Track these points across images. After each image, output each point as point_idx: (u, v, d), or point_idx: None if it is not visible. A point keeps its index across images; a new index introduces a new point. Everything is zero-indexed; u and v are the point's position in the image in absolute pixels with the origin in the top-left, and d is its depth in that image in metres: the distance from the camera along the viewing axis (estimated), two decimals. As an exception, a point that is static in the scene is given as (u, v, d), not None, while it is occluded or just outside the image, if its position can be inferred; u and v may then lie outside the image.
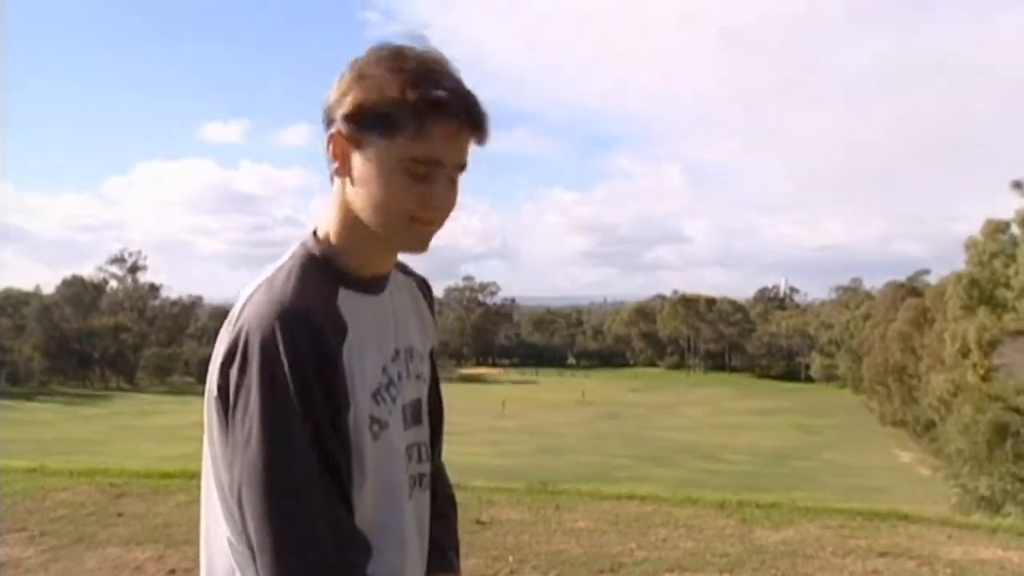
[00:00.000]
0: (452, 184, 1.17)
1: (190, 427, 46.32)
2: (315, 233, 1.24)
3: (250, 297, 1.16)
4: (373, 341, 1.21)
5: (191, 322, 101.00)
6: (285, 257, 1.22)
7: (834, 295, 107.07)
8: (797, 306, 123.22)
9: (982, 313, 36.78)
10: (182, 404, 63.41)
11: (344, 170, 1.17)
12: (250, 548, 1.09)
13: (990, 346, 32.81)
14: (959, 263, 43.34)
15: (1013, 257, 34.72)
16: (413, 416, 1.30)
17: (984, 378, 30.64)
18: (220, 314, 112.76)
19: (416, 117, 1.10)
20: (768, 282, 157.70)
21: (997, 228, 38.88)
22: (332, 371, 1.12)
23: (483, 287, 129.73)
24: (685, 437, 55.93)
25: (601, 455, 45.14)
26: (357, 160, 1.15)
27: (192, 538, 5.53)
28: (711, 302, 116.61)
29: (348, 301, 1.19)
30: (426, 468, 1.33)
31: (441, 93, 1.11)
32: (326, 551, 1.07)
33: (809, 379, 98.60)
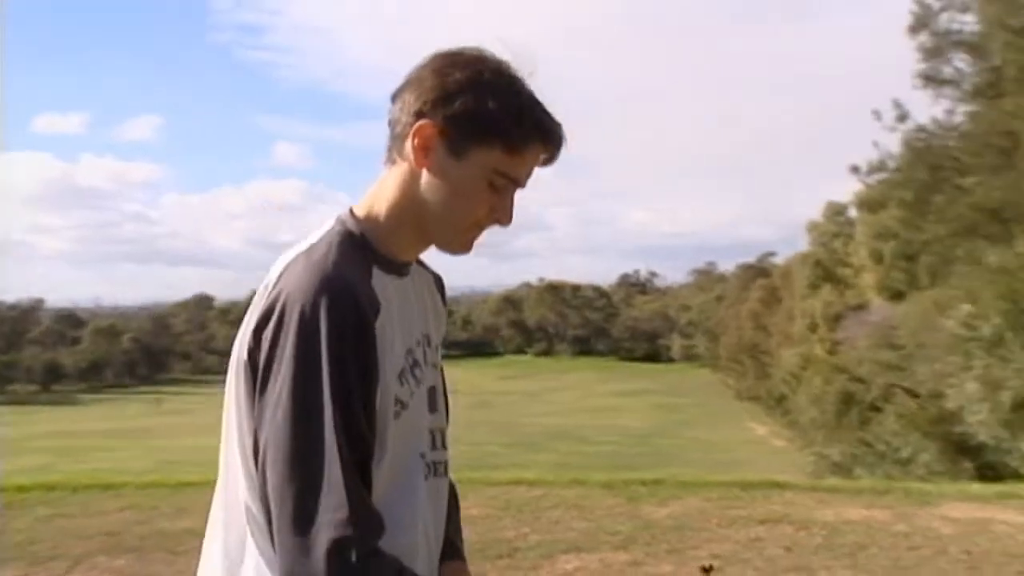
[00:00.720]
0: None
1: (39, 437, 43.32)
2: (352, 212, 1.26)
3: (288, 267, 1.17)
4: (400, 323, 1.23)
5: (32, 326, 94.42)
6: (321, 232, 1.23)
7: (691, 278, 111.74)
8: (657, 290, 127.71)
9: (826, 290, 39.35)
10: (24, 415, 59.23)
11: (424, 162, 1.20)
12: (267, 513, 1.09)
13: (834, 321, 35.11)
14: (801, 245, 46.20)
15: (851, 237, 37.22)
16: (431, 402, 1.31)
17: (830, 351, 32.82)
18: (65, 316, 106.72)
19: (521, 137, 1.18)
20: (629, 268, 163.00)
21: (836, 210, 41.60)
22: (369, 344, 1.13)
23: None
24: (556, 422, 57.01)
25: (473, 444, 45.25)
26: (443, 156, 1.19)
27: (59, 552, 5.13)
28: (576, 289, 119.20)
29: (380, 281, 1.21)
30: (444, 456, 1.34)
31: (552, 124, 1.20)
32: (342, 522, 1.05)
33: (671, 360, 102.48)
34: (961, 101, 24.46)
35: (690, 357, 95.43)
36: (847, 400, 21.82)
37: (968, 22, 23.37)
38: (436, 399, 1.34)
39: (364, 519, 1.07)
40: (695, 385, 78.86)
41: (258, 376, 1.11)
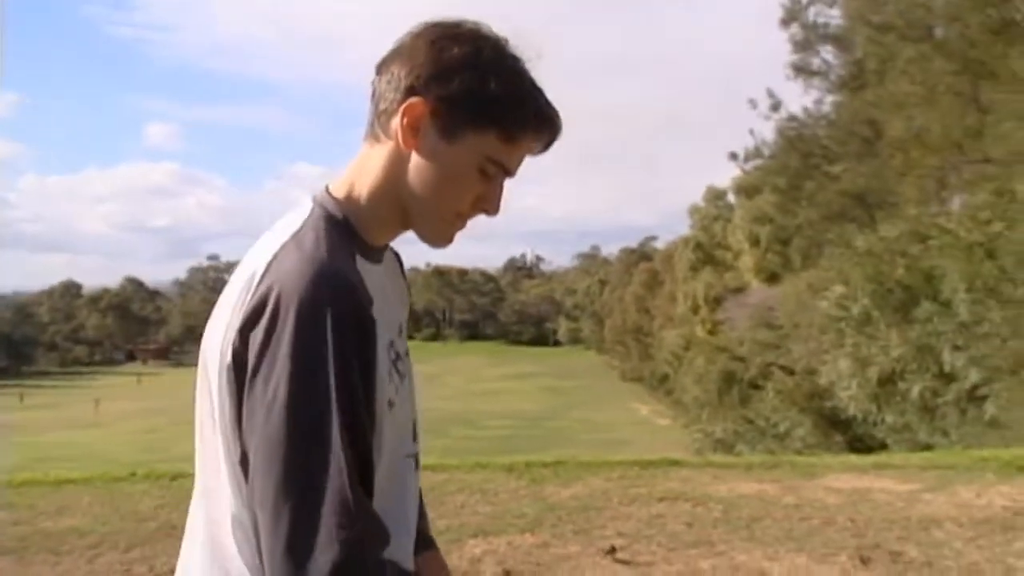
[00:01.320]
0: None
1: None
2: (329, 192, 1.15)
3: (276, 257, 1.05)
4: (384, 314, 1.12)
5: None
6: (300, 216, 1.12)
7: (576, 262, 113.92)
8: (543, 274, 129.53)
9: (707, 273, 40.88)
10: None
11: (413, 141, 1.11)
12: (254, 524, 0.99)
13: (715, 303, 36.55)
14: (681, 230, 47.86)
15: (730, 221, 38.77)
16: (410, 393, 1.22)
17: (711, 332, 34.15)
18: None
19: (520, 124, 1.10)
20: (516, 252, 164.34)
21: (717, 195, 43.26)
22: (372, 341, 1.04)
23: (229, 266, 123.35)
24: (447, 406, 57.05)
25: (364, 431, 44.89)
26: (434, 138, 1.10)
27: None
28: (463, 273, 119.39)
29: (364, 270, 1.12)
30: (419, 448, 1.27)
31: (552, 113, 1.12)
32: (348, 541, 0.95)
33: (558, 343, 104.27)
34: (829, 92, 25.84)
35: (576, 340, 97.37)
36: (728, 379, 22.77)
37: (834, 16, 24.66)
38: (412, 390, 1.25)
39: (371, 535, 0.99)
40: (581, 368, 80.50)
41: (246, 377, 1.00)
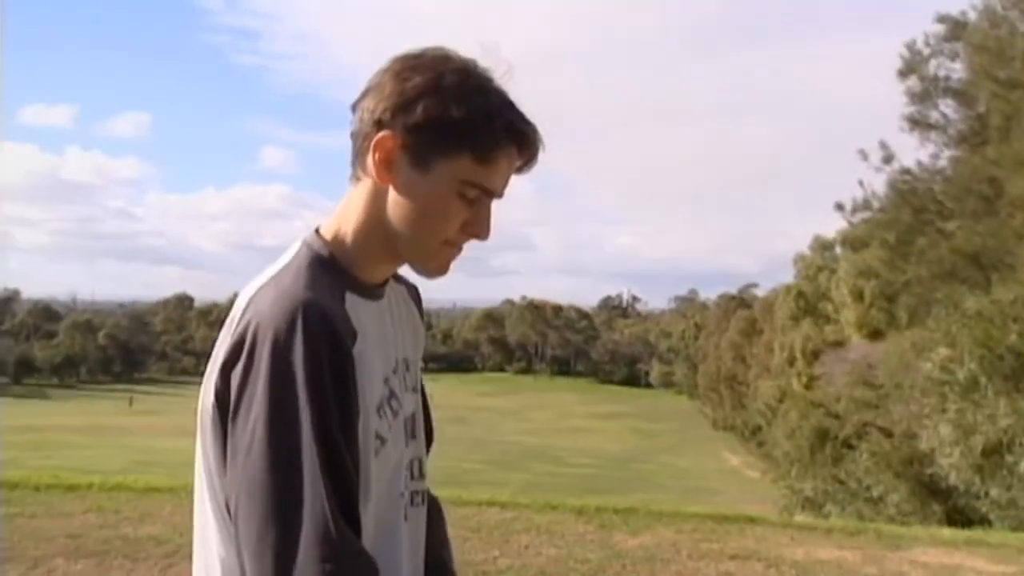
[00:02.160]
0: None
1: (7, 432, 42.66)
2: (318, 232, 1.17)
3: (254, 296, 1.07)
4: (378, 350, 1.14)
5: (7, 318, 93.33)
6: (286, 257, 1.14)
7: (672, 305, 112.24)
8: (639, 314, 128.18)
9: (806, 324, 39.61)
10: (-5, 406, 58.33)
11: (387, 177, 1.11)
12: (241, 567, 0.98)
13: (813, 356, 35.33)
14: (782, 278, 46.58)
15: (835, 272, 37.55)
16: (411, 431, 1.23)
17: (807, 386, 32.98)
18: (40, 309, 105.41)
19: (491, 144, 1.08)
20: (612, 291, 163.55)
21: (824, 245, 41.98)
22: (350, 374, 1.04)
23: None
24: (532, 441, 56.88)
25: (449, 459, 45.07)
26: (407, 170, 1.10)
27: (16, 554, 5.03)
28: (558, 309, 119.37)
29: (354, 306, 1.12)
30: (422, 485, 1.26)
31: (526, 127, 1.10)
32: (324, 567, 0.95)
33: (648, 385, 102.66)
34: (946, 146, 24.86)
35: (668, 383, 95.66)
36: (822, 435, 21.89)
37: (956, 69, 23.80)
38: (415, 426, 1.25)
39: (355, 566, 0.97)
40: (672, 411, 78.99)
41: (228, 418, 1.00)
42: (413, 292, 1.33)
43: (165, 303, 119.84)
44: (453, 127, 1.06)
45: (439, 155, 1.08)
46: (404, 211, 1.10)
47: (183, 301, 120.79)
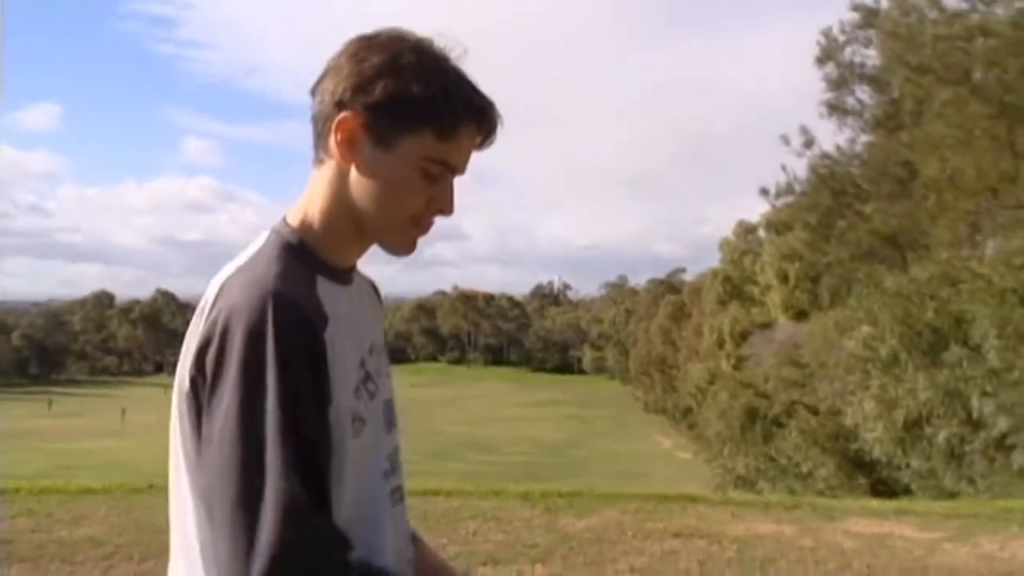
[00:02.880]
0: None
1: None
2: (286, 220, 1.17)
3: (225, 284, 1.07)
4: (351, 334, 1.13)
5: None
6: (256, 245, 1.15)
7: (603, 291, 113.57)
8: (570, 302, 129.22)
9: (734, 307, 40.58)
10: (-98, 413, 55.59)
11: (350, 157, 1.11)
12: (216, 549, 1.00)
13: (741, 337, 36.23)
14: (709, 263, 47.61)
15: (760, 256, 38.54)
16: (388, 419, 1.22)
17: (736, 367, 33.83)
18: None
19: (452, 120, 1.09)
20: (543, 279, 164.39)
21: (747, 229, 43.03)
22: (320, 360, 1.04)
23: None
24: (468, 431, 56.95)
25: (384, 452, 44.91)
26: (369, 150, 1.11)
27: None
28: (489, 298, 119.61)
29: (326, 290, 1.12)
30: (402, 479, 1.24)
31: (484, 103, 1.11)
32: (300, 551, 0.95)
33: (581, 371, 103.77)
34: (863, 131, 25.66)
35: (600, 369, 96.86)
36: (751, 415, 22.52)
37: (871, 56, 24.55)
38: (392, 413, 1.24)
39: (320, 539, 0.98)
40: (605, 397, 80.00)
41: (201, 406, 1.01)
42: (373, 286, 1.34)
43: (83, 301, 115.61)
44: (413, 104, 1.07)
45: (401, 132, 1.09)
46: (368, 190, 1.11)
47: (103, 299, 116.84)
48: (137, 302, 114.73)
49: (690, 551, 5.59)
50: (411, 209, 1.12)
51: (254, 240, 1.16)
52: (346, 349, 1.11)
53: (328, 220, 1.14)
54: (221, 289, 1.07)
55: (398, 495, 1.21)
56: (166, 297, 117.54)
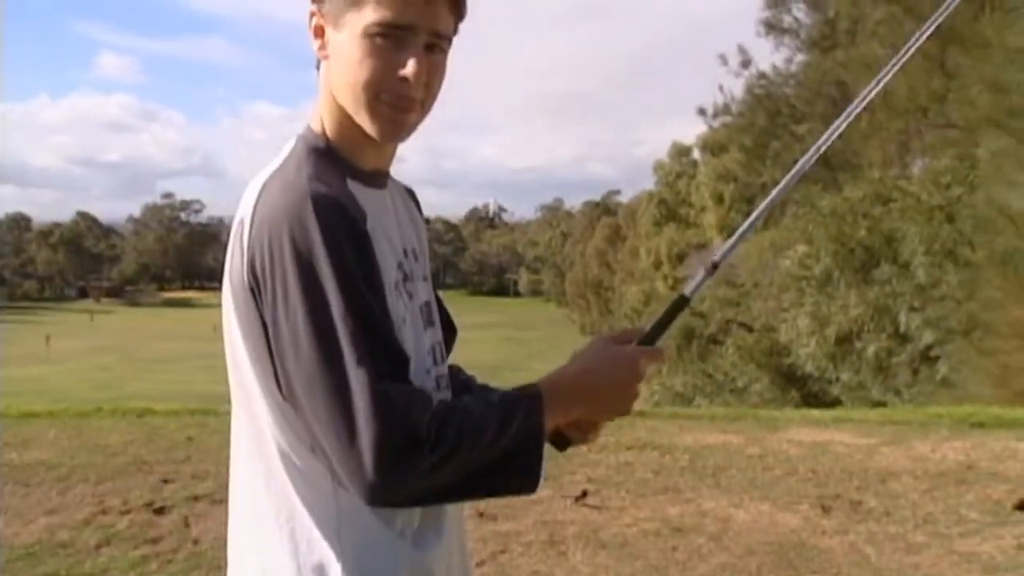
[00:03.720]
0: (430, 54, 1.10)
1: None
2: (309, 125, 1.18)
3: (260, 194, 1.08)
4: (385, 235, 1.15)
5: None
6: (284, 152, 1.15)
7: (539, 214, 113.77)
8: (506, 225, 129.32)
9: (670, 229, 41.13)
10: None
11: (322, 51, 1.14)
12: (305, 456, 1.07)
13: (678, 259, 36.88)
14: (644, 185, 47.99)
15: (695, 178, 38.99)
16: (427, 318, 1.23)
17: (673, 288, 34.50)
18: None
19: None
20: (478, 202, 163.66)
21: (681, 151, 43.34)
22: (368, 249, 1.06)
23: (185, 205, 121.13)
24: (404, 353, 57.20)
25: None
26: (331, 36, 1.11)
27: None
28: (425, 221, 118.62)
29: (358, 191, 1.13)
30: (444, 369, 1.29)
31: None
32: (396, 429, 0.99)
33: (518, 294, 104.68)
34: (799, 50, 25.85)
35: (537, 292, 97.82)
36: (688, 334, 23.07)
37: (809, -26, 24.55)
38: (431, 313, 1.27)
39: (409, 409, 1.01)
40: (541, 319, 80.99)
41: (269, 320, 1.04)
42: (411, 193, 1.38)
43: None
44: None
45: (343, 8, 1.08)
46: (334, 76, 1.11)
47: (20, 222, 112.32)
48: (57, 225, 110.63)
49: (644, 462, 5.77)
50: (371, 82, 1.08)
51: (282, 148, 1.16)
52: (383, 248, 1.12)
53: (332, 121, 1.15)
54: (259, 198, 1.07)
55: (443, 383, 1.26)
56: (87, 220, 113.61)
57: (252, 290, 1.05)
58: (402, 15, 1.06)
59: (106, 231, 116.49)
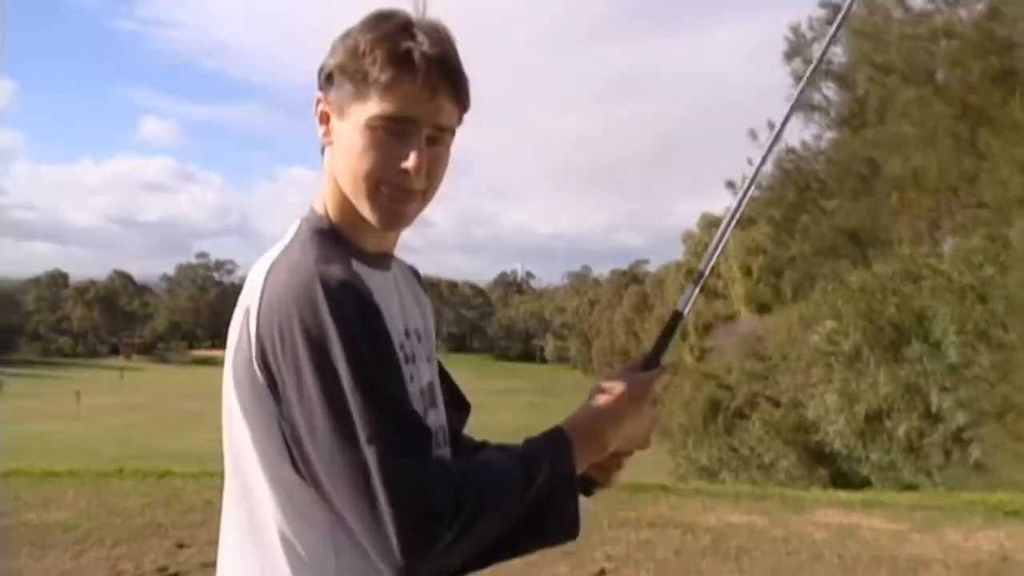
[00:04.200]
0: (432, 146, 1.11)
1: None
2: (313, 208, 1.20)
3: (267, 279, 1.08)
4: (388, 316, 1.12)
5: None
6: (289, 235, 1.16)
7: (566, 281, 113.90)
8: (533, 291, 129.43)
9: (697, 300, 40.85)
10: None
11: (327, 137, 1.15)
12: (307, 540, 1.05)
13: (705, 330, 36.57)
14: (672, 255, 47.91)
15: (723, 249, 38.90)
16: (430, 399, 1.22)
17: (699, 359, 34.15)
18: None
19: (384, 72, 1.07)
20: (507, 267, 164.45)
21: (711, 223, 43.34)
22: (380, 324, 1.06)
23: (219, 265, 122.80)
24: (428, 418, 56.90)
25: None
26: (336, 124, 1.13)
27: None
28: (453, 286, 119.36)
29: (362, 272, 1.12)
30: (448, 452, 1.25)
31: (409, 45, 1.07)
32: (417, 506, 0.98)
33: (544, 360, 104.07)
34: (828, 127, 26.07)
35: (563, 358, 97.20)
36: (714, 406, 22.78)
37: (838, 54, 24.88)
38: (434, 395, 1.25)
39: (417, 484, 0.98)
40: (567, 386, 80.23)
41: (281, 400, 1.04)
42: (414, 272, 1.37)
43: (37, 281, 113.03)
44: (352, 67, 1.09)
45: (349, 99, 1.10)
46: (337, 162, 1.13)
47: (57, 278, 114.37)
48: (92, 283, 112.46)
49: (665, 541, 5.65)
50: (375, 174, 1.09)
51: (287, 232, 1.17)
52: (389, 327, 1.11)
53: (335, 204, 1.16)
54: (265, 283, 1.07)
55: None
56: (123, 278, 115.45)
57: (263, 379, 1.05)
58: (405, 109, 1.07)
59: (140, 289, 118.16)
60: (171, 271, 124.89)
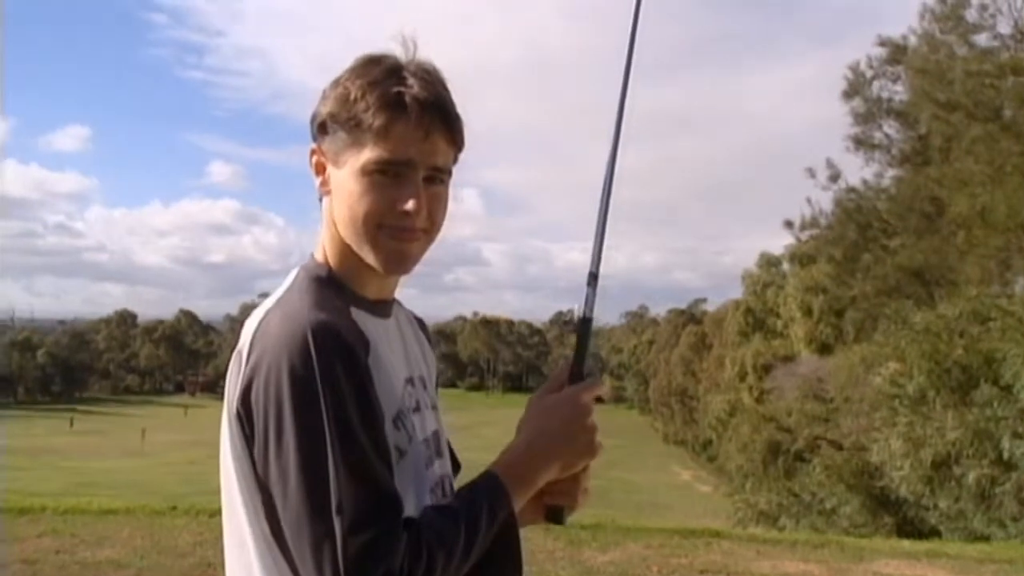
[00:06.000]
0: (430, 185, 1.11)
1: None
2: (312, 255, 1.20)
3: (261, 324, 1.07)
4: (390, 364, 1.13)
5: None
6: (286, 283, 1.16)
7: (623, 320, 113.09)
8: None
9: (756, 340, 40.20)
10: (-74, 428, 56.09)
11: (324, 187, 1.16)
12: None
13: (764, 370, 35.85)
14: (730, 294, 47.25)
15: (783, 288, 38.28)
16: (435, 448, 1.21)
17: (758, 400, 33.43)
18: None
19: (377, 118, 1.07)
20: (562, 306, 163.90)
21: (770, 261, 42.75)
22: (367, 384, 1.04)
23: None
24: (483, 457, 56.16)
25: (401, 477, 44.61)
26: (332, 173, 1.14)
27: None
28: (510, 324, 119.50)
29: (361, 320, 1.12)
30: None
31: (399, 89, 1.08)
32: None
33: (600, 400, 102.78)
34: (890, 165, 25.61)
35: (619, 399, 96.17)
36: (774, 449, 22.19)
37: (898, 91, 24.55)
38: (440, 444, 1.24)
39: (377, 556, 0.97)
40: (623, 426, 79.20)
41: (257, 451, 1.03)
42: (419, 322, 1.37)
43: (107, 320, 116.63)
44: (342, 115, 1.09)
45: (344, 147, 1.10)
46: (336, 211, 1.13)
47: (126, 318, 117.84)
48: (160, 322, 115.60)
49: (717, 589, 5.49)
50: (374, 216, 1.09)
51: (285, 279, 1.17)
52: (387, 377, 1.12)
53: (336, 250, 1.16)
54: (259, 327, 1.07)
55: None
56: (188, 317, 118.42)
57: (241, 419, 1.04)
58: (400, 152, 1.08)
59: (205, 328, 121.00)
60: (234, 311, 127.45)
